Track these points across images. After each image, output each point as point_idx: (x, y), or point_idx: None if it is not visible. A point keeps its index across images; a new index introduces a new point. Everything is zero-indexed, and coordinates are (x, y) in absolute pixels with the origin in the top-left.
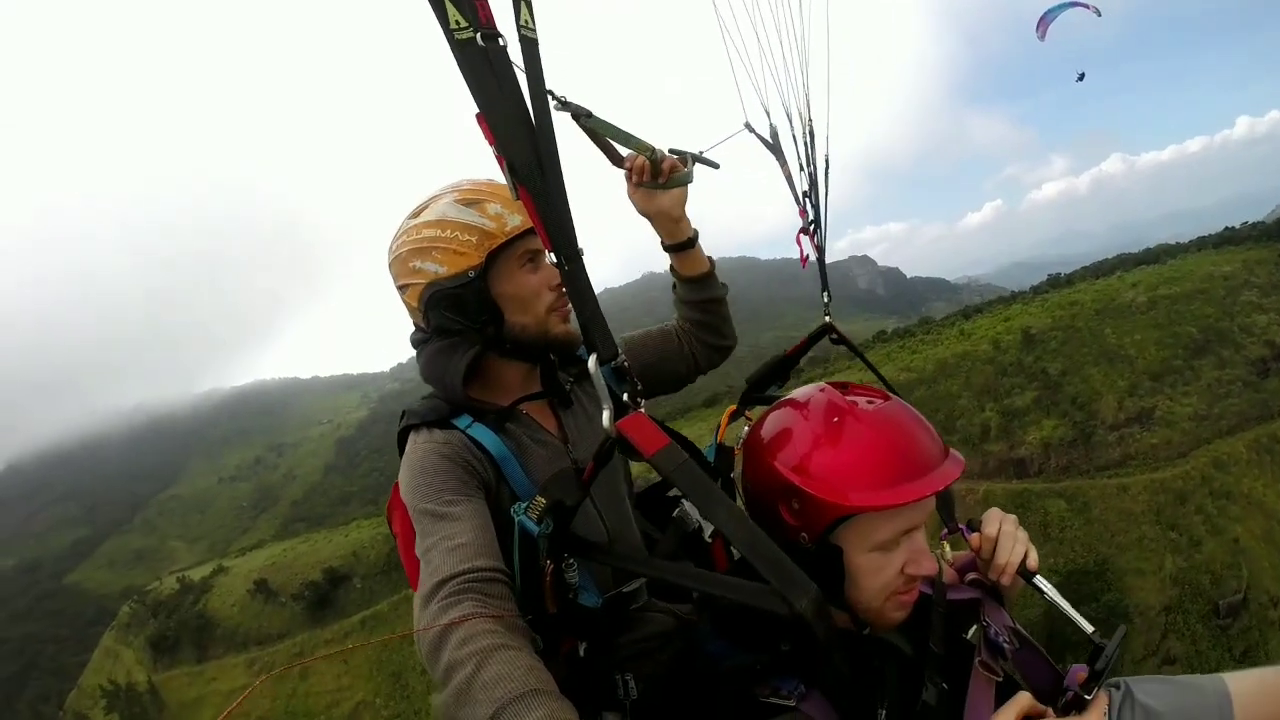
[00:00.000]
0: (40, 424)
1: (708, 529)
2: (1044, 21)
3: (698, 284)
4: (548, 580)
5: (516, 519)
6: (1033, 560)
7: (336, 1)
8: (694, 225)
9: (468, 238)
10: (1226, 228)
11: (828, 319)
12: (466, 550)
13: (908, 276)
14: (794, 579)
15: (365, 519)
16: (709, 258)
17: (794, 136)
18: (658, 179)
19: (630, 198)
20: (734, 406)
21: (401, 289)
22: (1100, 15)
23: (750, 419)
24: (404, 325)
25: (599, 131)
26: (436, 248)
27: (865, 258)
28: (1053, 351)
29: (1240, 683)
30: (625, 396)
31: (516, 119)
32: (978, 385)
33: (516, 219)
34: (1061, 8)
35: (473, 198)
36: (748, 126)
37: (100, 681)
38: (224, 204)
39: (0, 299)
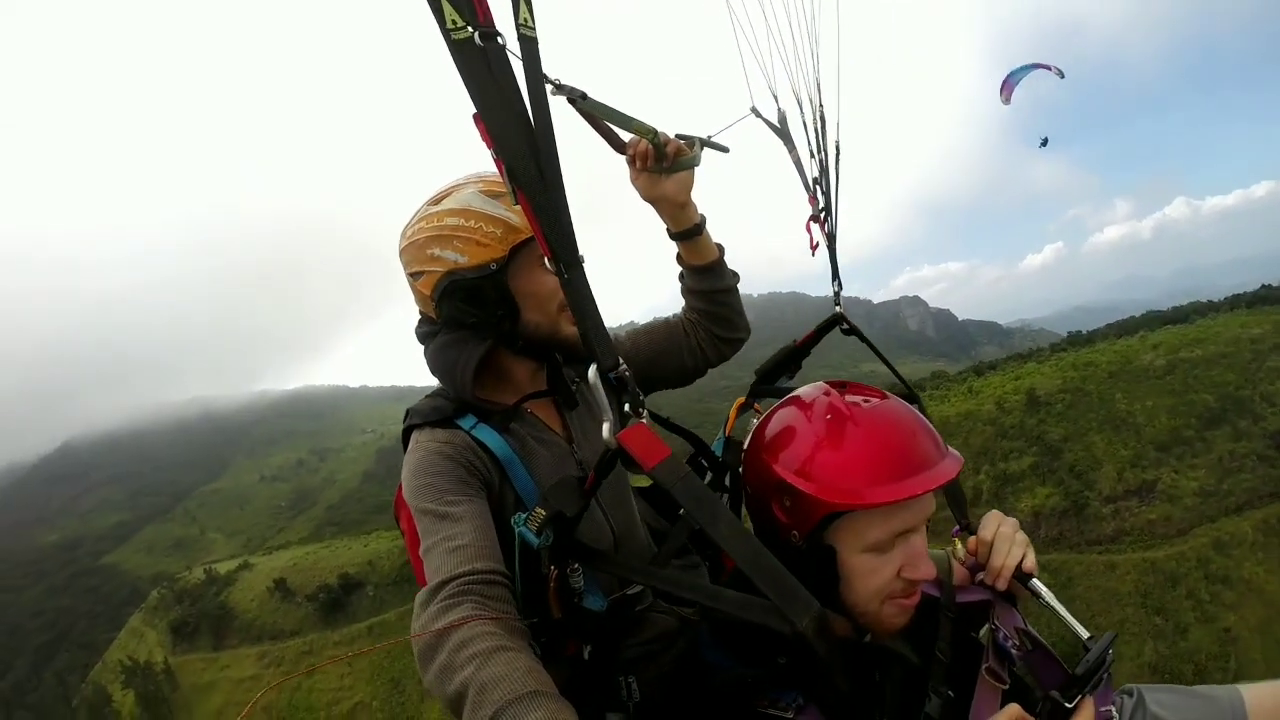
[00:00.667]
0: (98, 409)
1: None
2: (1008, 84)
3: (706, 273)
4: (552, 586)
5: (516, 530)
6: (1029, 563)
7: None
8: (700, 211)
9: (492, 229)
10: (1263, 285)
11: (838, 309)
12: (467, 552)
13: (959, 319)
14: (796, 596)
15: (386, 530)
16: (718, 245)
17: (803, 122)
18: (661, 163)
19: (633, 184)
20: (743, 399)
21: (414, 276)
22: (1064, 77)
23: (760, 411)
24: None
25: (596, 114)
26: (459, 236)
27: (917, 298)
28: (1057, 415)
29: (1257, 694)
30: (626, 406)
31: (515, 121)
32: (976, 446)
33: None
34: (1025, 70)
35: (498, 190)
36: (754, 111)
37: (122, 658)
38: (296, 220)
39: (79, 291)
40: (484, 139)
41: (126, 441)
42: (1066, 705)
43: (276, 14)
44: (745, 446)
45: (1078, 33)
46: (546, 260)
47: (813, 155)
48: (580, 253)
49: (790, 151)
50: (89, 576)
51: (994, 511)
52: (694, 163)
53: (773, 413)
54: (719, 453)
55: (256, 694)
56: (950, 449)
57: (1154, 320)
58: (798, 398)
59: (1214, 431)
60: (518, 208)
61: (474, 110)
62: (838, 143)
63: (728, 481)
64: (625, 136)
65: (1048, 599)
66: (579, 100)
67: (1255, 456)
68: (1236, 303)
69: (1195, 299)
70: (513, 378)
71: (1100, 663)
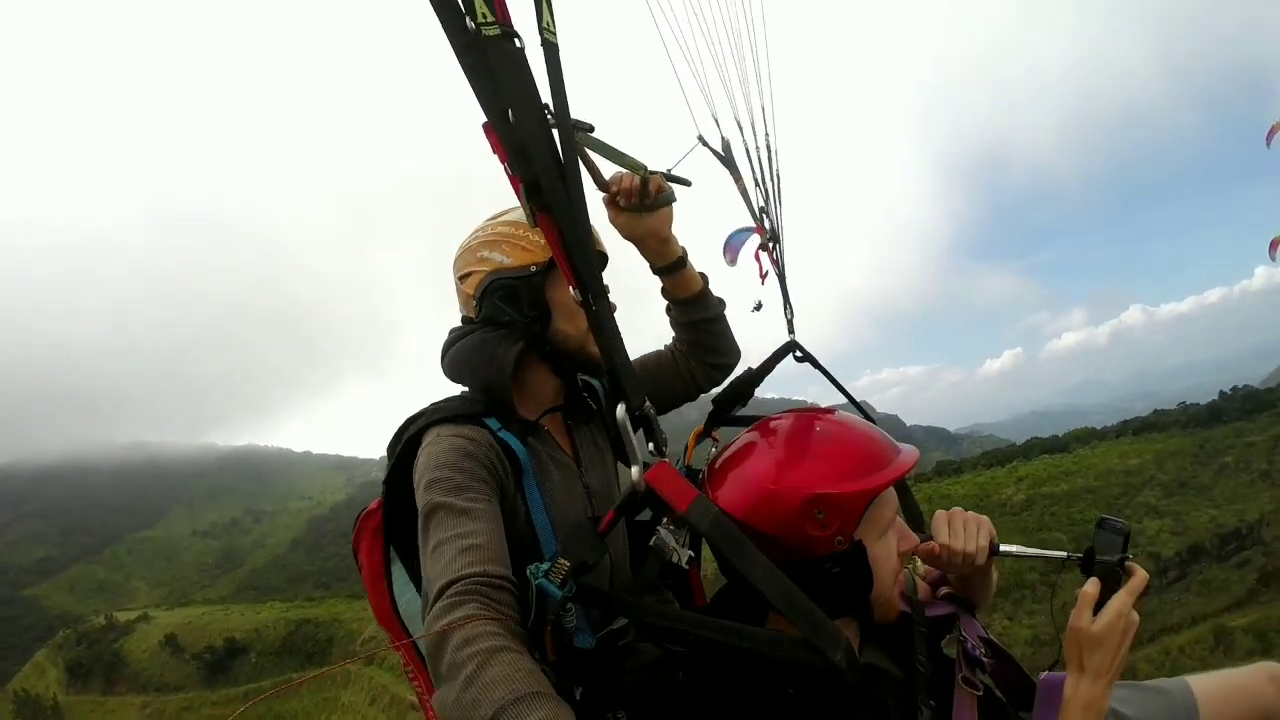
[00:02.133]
0: (39, 439)
1: (684, 555)
2: (730, 248)
3: (692, 304)
4: (548, 629)
5: (534, 582)
6: (987, 532)
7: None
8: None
9: (537, 239)
10: (1220, 393)
11: (792, 336)
12: (480, 553)
13: (907, 424)
14: (827, 631)
15: (285, 601)
16: (701, 274)
17: (746, 150)
18: (645, 200)
19: (613, 223)
20: (700, 428)
21: (462, 278)
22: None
23: (717, 440)
24: (394, 419)
25: (596, 150)
26: (507, 241)
27: (865, 401)
28: None
29: (1203, 684)
30: (651, 447)
31: (541, 132)
32: None
33: None
34: (743, 233)
35: None
36: (701, 140)
37: (19, 690)
38: (256, 283)
39: (31, 321)
40: (496, 151)
41: (65, 476)
42: (1119, 567)
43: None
44: (718, 492)
45: (1025, 149)
46: (571, 289)
47: (758, 184)
48: (605, 282)
49: (736, 181)
50: (7, 606)
51: (939, 513)
52: (672, 198)
53: (740, 456)
54: None
55: None
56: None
57: (1033, 447)
58: (767, 432)
59: (1062, 575)
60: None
61: (484, 119)
62: (778, 172)
63: None
64: (607, 173)
65: (1019, 550)
66: (585, 133)
67: (1046, 586)
68: (1124, 429)
69: (1150, 400)
70: (537, 392)
71: (1123, 529)
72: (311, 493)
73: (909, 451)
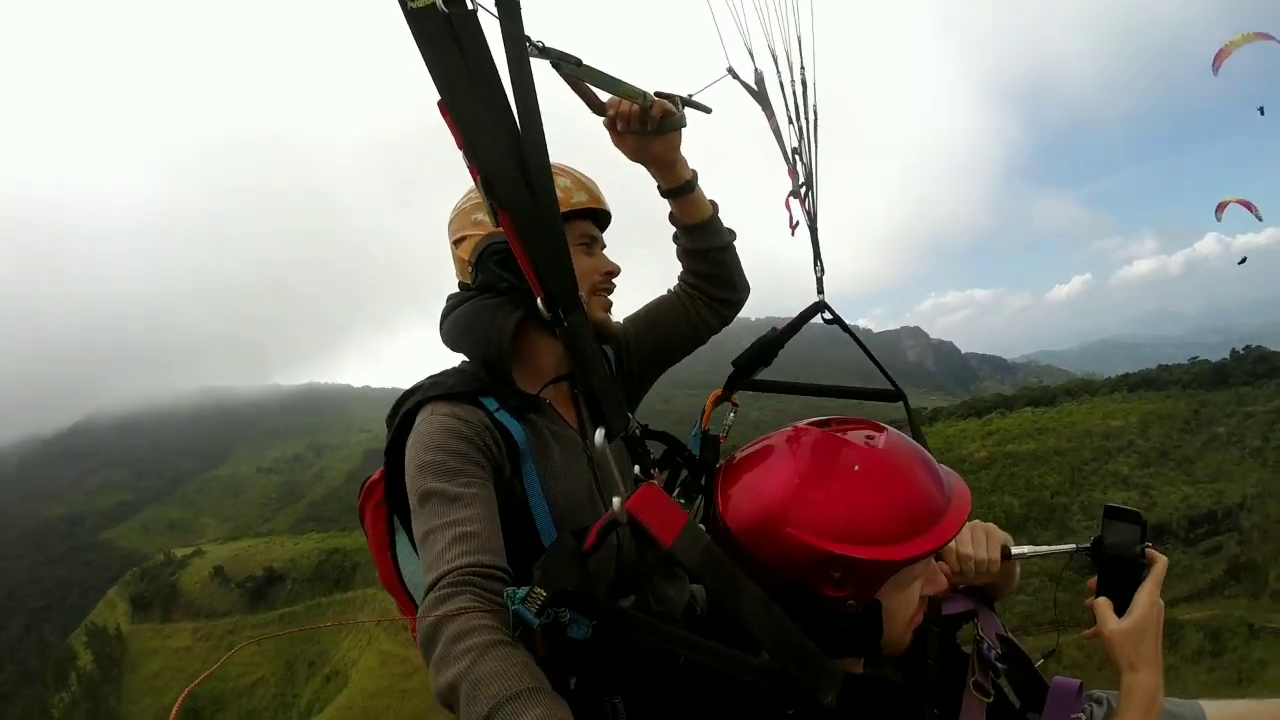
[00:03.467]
0: (116, 391)
1: None
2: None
3: (700, 231)
4: (537, 631)
5: (511, 608)
6: (997, 543)
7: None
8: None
9: None
10: (1161, 365)
11: (821, 296)
12: (474, 542)
13: (962, 351)
14: (821, 669)
15: (318, 532)
16: (711, 201)
17: (780, 83)
18: (646, 126)
19: (616, 145)
20: (719, 391)
21: (457, 243)
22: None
23: (737, 405)
24: (449, 352)
25: (590, 81)
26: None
27: (918, 329)
28: None
29: (1218, 712)
30: (636, 469)
31: (494, 117)
32: None
33: (583, 196)
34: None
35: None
36: (731, 72)
37: (90, 623)
38: (316, 232)
39: (106, 280)
40: (454, 135)
41: (139, 424)
42: (1140, 558)
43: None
44: (733, 515)
45: (1077, 71)
46: (540, 302)
47: (791, 121)
48: (580, 291)
49: (768, 117)
50: (86, 551)
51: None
52: (681, 123)
53: (755, 473)
54: (695, 449)
55: (224, 657)
56: (944, 467)
57: (1018, 399)
58: (790, 451)
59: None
60: (563, 185)
61: (439, 97)
62: (816, 107)
63: (704, 481)
64: (604, 97)
65: (1031, 550)
66: (572, 66)
67: (1046, 575)
68: (1121, 384)
69: (1225, 335)
70: (538, 361)
71: (1139, 519)
72: (370, 425)
73: (958, 502)
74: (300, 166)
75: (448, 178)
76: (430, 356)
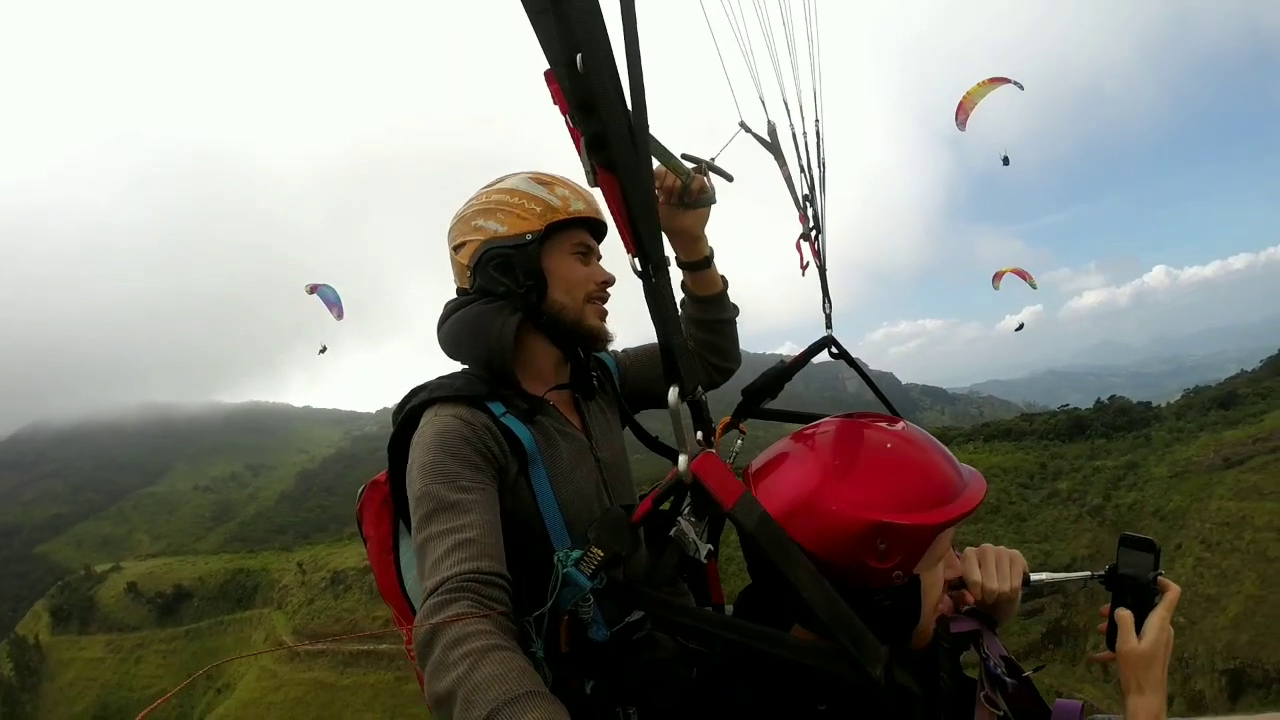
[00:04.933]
0: (56, 405)
1: (704, 550)
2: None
3: (710, 303)
4: (566, 619)
5: (563, 569)
6: (1019, 571)
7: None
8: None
9: (533, 207)
10: (1241, 370)
11: (829, 332)
12: (472, 548)
13: (902, 382)
14: (867, 643)
15: (230, 552)
16: (722, 277)
17: (793, 135)
18: (685, 199)
19: None
20: (727, 419)
21: (456, 248)
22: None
23: (744, 432)
24: (392, 375)
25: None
26: (502, 209)
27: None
28: None
29: None
30: (699, 435)
31: (608, 82)
32: None
33: (580, 205)
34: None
35: (545, 179)
36: (743, 126)
37: (16, 635)
38: (264, 252)
39: (53, 294)
40: (557, 102)
41: (80, 438)
42: (1153, 585)
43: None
44: (786, 515)
45: (1015, 113)
46: (631, 258)
47: (802, 170)
48: (576, 299)
49: (780, 166)
50: (20, 563)
51: (968, 550)
52: (712, 200)
53: (787, 465)
54: None
55: (177, 689)
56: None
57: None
58: (823, 442)
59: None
60: (561, 194)
61: (545, 68)
62: (824, 160)
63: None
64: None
65: (1049, 578)
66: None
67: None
68: (977, 434)
69: (1172, 365)
70: (539, 366)
71: (1154, 547)
72: (309, 446)
73: (977, 479)
74: (248, 187)
75: (387, 208)
76: (373, 380)
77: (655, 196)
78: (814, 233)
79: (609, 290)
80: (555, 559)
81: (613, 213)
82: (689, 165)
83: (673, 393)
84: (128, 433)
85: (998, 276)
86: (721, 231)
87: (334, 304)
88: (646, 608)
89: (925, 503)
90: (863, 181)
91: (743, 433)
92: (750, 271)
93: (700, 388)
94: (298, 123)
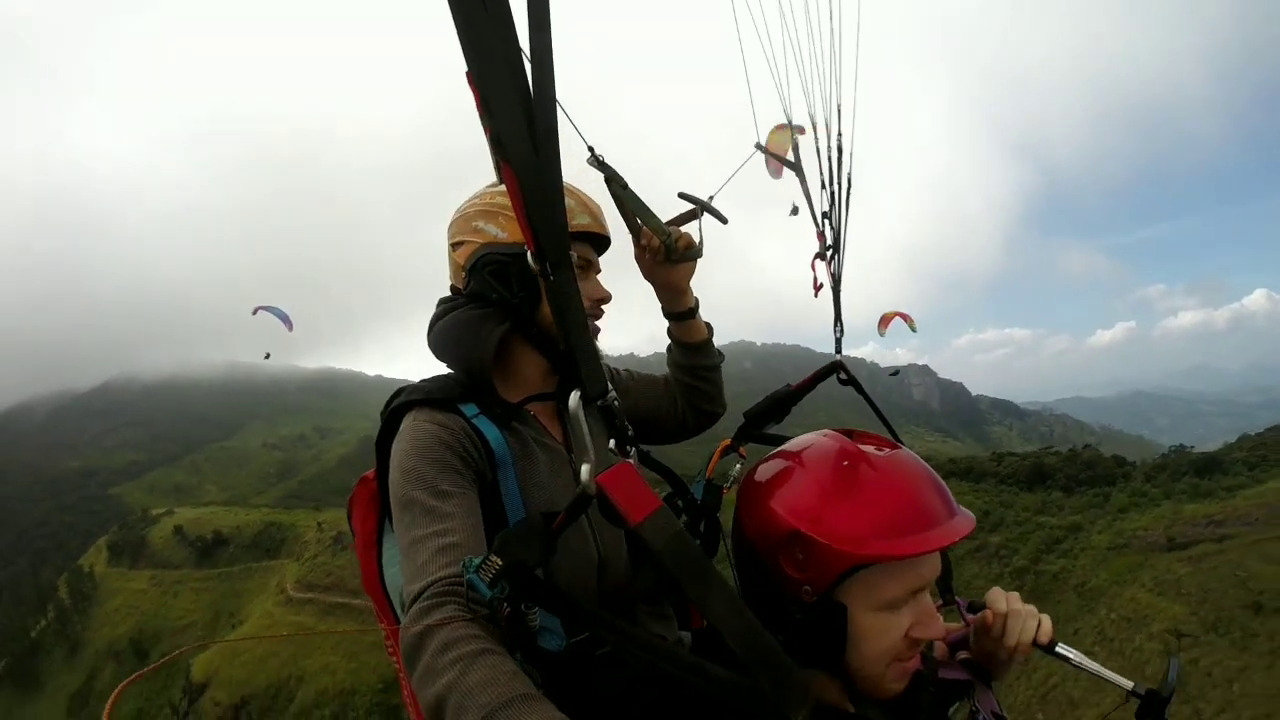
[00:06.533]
0: (144, 357)
1: None
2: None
3: (696, 350)
4: (502, 624)
5: (466, 576)
6: (1045, 632)
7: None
8: (695, 294)
9: None
10: (994, 454)
11: (838, 356)
12: (456, 552)
13: (972, 393)
14: (791, 685)
15: (271, 507)
16: (707, 324)
17: (817, 150)
18: (671, 256)
19: (637, 261)
20: (728, 441)
21: (454, 246)
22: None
23: (744, 456)
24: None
25: (627, 204)
26: (504, 214)
27: (925, 367)
28: None
29: None
30: (611, 443)
31: (507, 74)
32: None
33: (585, 219)
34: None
35: None
36: (759, 148)
37: (76, 565)
38: (346, 234)
39: (159, 255)
40: (476, 104)
41: (164, 390)
42: None
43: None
44: (740, 494)
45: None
46: (530, 256)
47: (824, 187)
48: (571, 252)
49: (801, 182)
50: (94, 502)
51: (996, 588)
52: (697, 254)
53: (772, 459)
54: (699, 495)
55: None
56: (961, 506)
57: None
58: (803, 445)
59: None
60: (565, 205)
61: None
62: (850, 175)
63: (703, 527)
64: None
65: (1078, 661)
66: (619, 186)
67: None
68: (954, 468)
69: (1267, 395)
70: (523, 375)
71: (1169, 690)
72: (374, 414)
73: (952, 526)
74: (330, 170)
75: (460, 195)
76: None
77: (560, 196)
78: (830, 252)
79: (603, 308)
80: (462, 563)
81: (513, 208)
82: (688, 204)
83: (574, 397)
84: (209, 389)
85: (884, 321)
86: (759, 238)
87: (283, 318)
88: (574, 620)
89: (846, 528)
90: (935, 189)
91: (743, 456)
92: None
93: (611, 393)
94: (381, 108)
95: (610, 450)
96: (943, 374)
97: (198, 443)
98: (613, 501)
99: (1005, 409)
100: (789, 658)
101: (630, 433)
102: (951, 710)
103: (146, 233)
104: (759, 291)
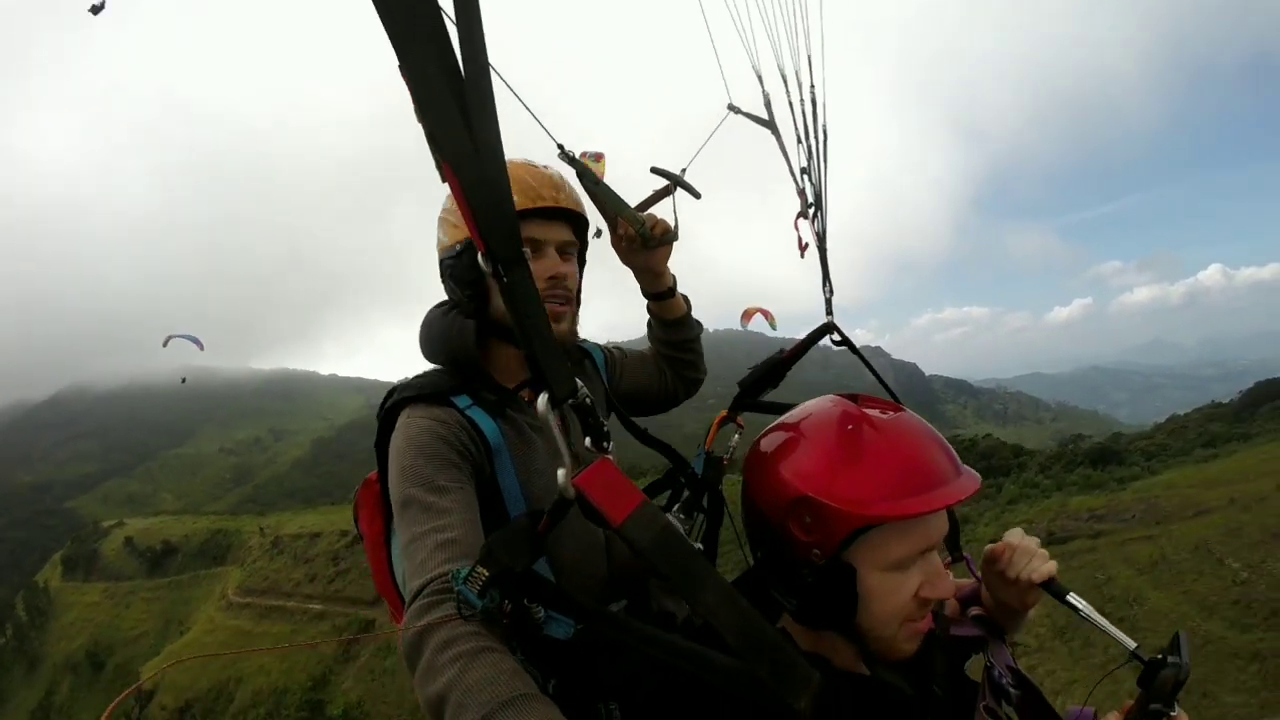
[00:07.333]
0: (95, 366)
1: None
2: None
3: (677, 325)
4: (504, 621)
5: (456, 588)
6: (1045, 571)
7: None
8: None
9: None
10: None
11: (829, 318)
12: (455, 548)
13: (925, 374)
14: (793, 671)
15: (219, 514)
16: (684, 297)
17: (789, 103)
18: (648, 243)
19: (614, 247)
20: (725, 413)
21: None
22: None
23: (742, 426)
24: (412, 343)
25: (601, 197)
26: (446, 219)
27: (878, 349)
28: None
29: None
30: (588, 440)
31: (437, 64)
32: None
33: (543, 196)
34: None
35: None
36: (732, 108)
37: (32, 581)
38: (298, 229)
39: (108, 265)
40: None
41: (116, 399)
42: (1171, 715)
43: None
44: (746, 464)
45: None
46: (480, 257)
47: (800, 141)
48: (525, 248)
49: (776, 139)
50: (49, 517)
51: (1016, 528)
52: (672, 239)
53: (776, 427)
54: (699, 470)
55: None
56: (966, 465)
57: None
58: (807, 411)
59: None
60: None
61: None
62: (825, 127)
63: (705, 501)
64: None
65: (1086, 612)
66: (592, 183)
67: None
68: None
69: (1222, 369)
70: (503, 365)
71: (1182, 671)
72: (330, 414)
73: (957, 486)
74: (284, 165)
75: (418, 193)
76: (401, 352)
77: (506, 191)
78: (812, 210)
79: (565, 285)
80: (449, 575)
81: (458, 206)
82: (662, 179)
83: (542, 400)
84: (162, 396)
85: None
86: (731, 218)
87: (195, 341)
88: (568, 614)
89: (853, 490)
90: (886, 175)
91: (740, 427)
92: (763, 258)
93: (582, 390)
94: (329, 107)
95: (587, 448)
96: (903, 354)
97: (151, 451)
98: (592, 503)
99: (959, 388)
100: (789, 646)
101: (606, 428)
102: (966, 666)
103: (95, 238)
104: (704, 274)
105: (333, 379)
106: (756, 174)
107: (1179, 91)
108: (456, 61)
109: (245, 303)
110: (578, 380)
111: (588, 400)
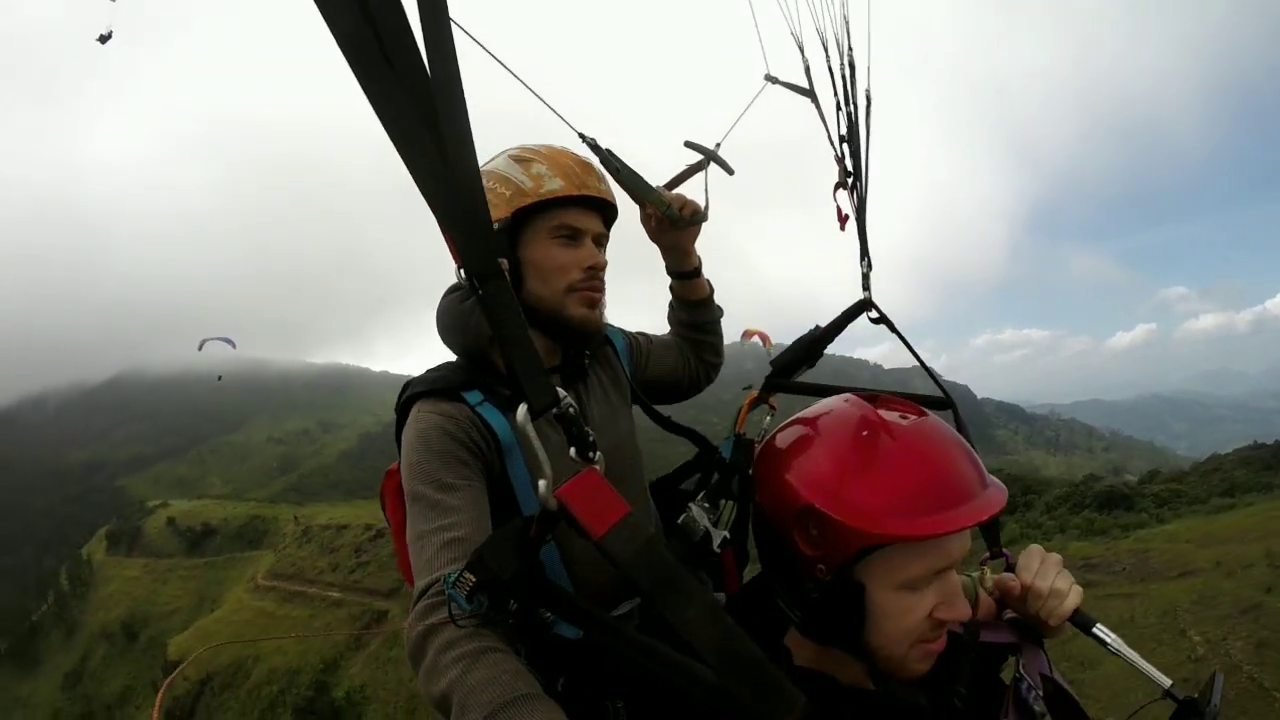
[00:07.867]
0: (153, 351)
1: (717, 537)
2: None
3: (699, 307)
4: (510, 621)
5: (447, 590)
6: (1068, 609)
7: None
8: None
9: (503, 191)
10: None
11: (866, 294)
12: (462, 546)
13: (977, 396)
14: (777, 693)
15: (260, 501)
16: (707, 280)
17: (829, 68)
18: (677, 225)
19: (642, 224)
20: (756, 394)
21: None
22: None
23: (774, 408)
24: None
25: (626, 184)
26: None
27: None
28: None
29: None
30: (573, 451)
31: (408, 89)
32: None
33: (556, 184)
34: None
35: (524, 156)
36: (769, 79)
37: (77, 554)
38: (354, 232)
39: (165, 250)
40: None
41: (172, 385)
42: None
43: None
44: (757, 460)
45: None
46: (458, 272)
47: (840, 108)
48: (502, 259)
49: (816, 108)
50: (100, 494)
51: (1034, 546)
52: (702, 219)
53: (792, 424)
54: (727, 454)
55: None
56: (992, 477)
57: None
58: (823, 410)
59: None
60: (536, 172)
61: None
62: (868, 91)
63: (735, 487)
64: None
65: (1116, 647)
66: (615, 170)
67: None
68: None
69: None
70: None
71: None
72: (379, 409)
73: (977, 505)
74: (337, 161)
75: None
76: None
77: (482, 208)
78: (850, 180)
79: (600, 276)
80: (441, 579)
81: (437, 218)
82: (696, 154)
83: (521, 411)
84: (216, 384)
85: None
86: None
87: (229, 342)
88: (569, 620)
89: (865, 504)
90: (937, 197)
91: (773, 408)
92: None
93: (565, 399)
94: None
95: (572, 459)
96: (960, 375)
97: (203, 436)
98: (574, 515)
99: (1011, 412)
100: (775, 668)
101: (592, 438)
102: (1002, 670)
103: (154, 232)
104: (759, 288)
105: (384, 376)
106: (756, 191)
107: (1238, 120)
108: (425, 75)
109: (301, 300)
110: (559, 390)
111: (571, 410)
